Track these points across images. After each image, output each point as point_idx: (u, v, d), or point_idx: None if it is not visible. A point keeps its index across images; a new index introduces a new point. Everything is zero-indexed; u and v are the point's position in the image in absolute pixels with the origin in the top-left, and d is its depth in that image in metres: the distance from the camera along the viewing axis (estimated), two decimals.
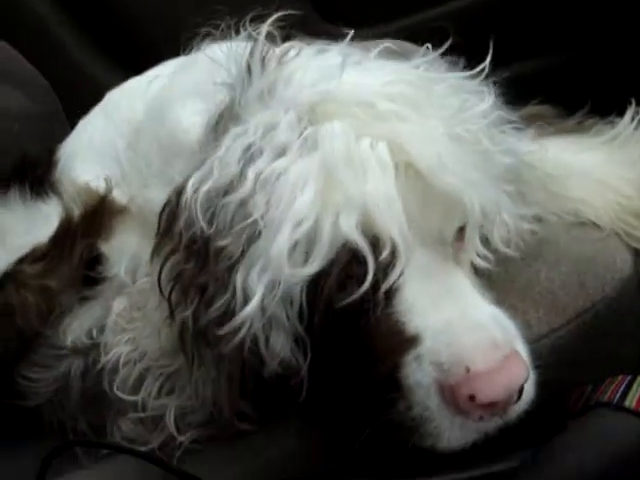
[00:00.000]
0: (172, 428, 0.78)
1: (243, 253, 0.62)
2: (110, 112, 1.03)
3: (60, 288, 0.96)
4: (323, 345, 0.65)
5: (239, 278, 0.62)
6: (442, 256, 0.65)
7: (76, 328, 0.91)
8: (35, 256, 0.99)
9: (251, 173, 0.62)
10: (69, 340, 0.91)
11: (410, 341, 0.62)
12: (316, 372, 0.67)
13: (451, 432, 0.62)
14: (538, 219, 0.85)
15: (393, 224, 0.59)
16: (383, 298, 0.63)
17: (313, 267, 0.60)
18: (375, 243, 0.60)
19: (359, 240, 0.59)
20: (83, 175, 0.99)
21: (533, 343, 0.74)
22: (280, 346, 0.65)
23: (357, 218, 0.59)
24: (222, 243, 0.63)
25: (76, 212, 0.98)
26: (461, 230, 0.66)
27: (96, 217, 0.96)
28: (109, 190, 0.95)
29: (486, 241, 0.69)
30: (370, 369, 0.64)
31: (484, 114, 0.69)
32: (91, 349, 0.89)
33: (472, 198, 0.61)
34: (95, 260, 0.94)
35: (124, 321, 0.86)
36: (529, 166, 0.83)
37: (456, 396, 0.60)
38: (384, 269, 0.61)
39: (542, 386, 0.69)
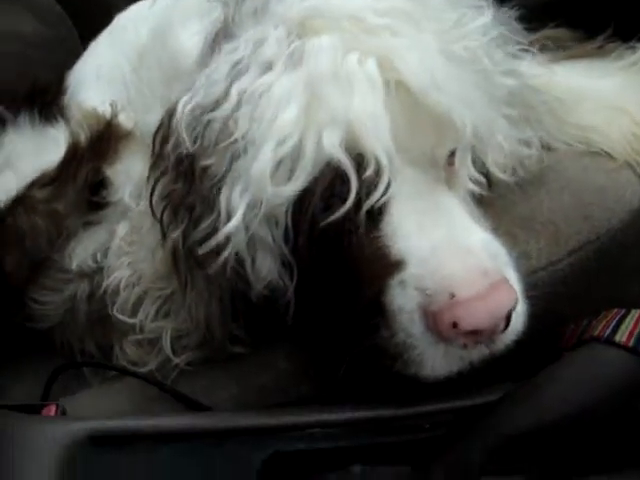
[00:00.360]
0: (168, 350, 0.80)
1: (226, 172, 0.61)
2: (117, 36, 1.02)
3: (67, 212, 0.97)
4: (309, 267, 0.65)
5: (223, 197, 0.62)
6: (433, 178, 0.63)
7: (81, 252, 0.93)
8: (44, 181, 0.99)
9: (235, 89, 0.61)
10: (75, 264, 0.92)
11: (395, 265, 0.61)
12: (303, 295, 0.67)
13: (434, 359, 0.61)
14: (546, 147, 0.81)
15: (378, 142, 0.57)
16: (368, 220, 0.62)
17: (296, 186, 0.59)
18: (359, 161, 0.58)
19: (342, 158, 0.57)
20: (90, 100, 0.99)
21: (530, 275, 0.72)
22: (266, 268, 0.65)
23: (341, 135, 0.57)
24: (207, 162, 0.62)
25: (83, 137, 0.98)
26: (454, 154, 0.64)
27: (102, 142, 0.96)
28: (115, 115, 0.95)
29: (482, 165, 0.67)
30: (355, 293, 0.63)
31: (484, 30, 0.65)
32: (96, 273, 0.91)
33: (464, 118, 0.59)
34: (100, 184, 0.94)
35: (126, 245, 0.87)
36: (536, 90, 0.79)
37: (439, 323, 0.58)
38: (368, 188, 0.59)
39: (539, 318, 0.68)
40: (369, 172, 0.58)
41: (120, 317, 0.83)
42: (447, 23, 0.62)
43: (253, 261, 0.64)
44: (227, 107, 0.61)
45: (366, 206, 0.59)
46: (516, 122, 0.70)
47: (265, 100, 0.59)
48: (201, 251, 0.66)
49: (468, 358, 0.62)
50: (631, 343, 0.59)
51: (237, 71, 0.62)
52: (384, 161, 0.57)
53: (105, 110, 0.95)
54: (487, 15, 0.66)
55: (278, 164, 0.59)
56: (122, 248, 0.87)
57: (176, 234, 0.69)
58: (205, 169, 0.63)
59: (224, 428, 0.65)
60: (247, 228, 0.62)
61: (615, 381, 0.59)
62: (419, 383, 0.65)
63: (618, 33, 0.86)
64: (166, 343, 0.80)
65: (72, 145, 0.98)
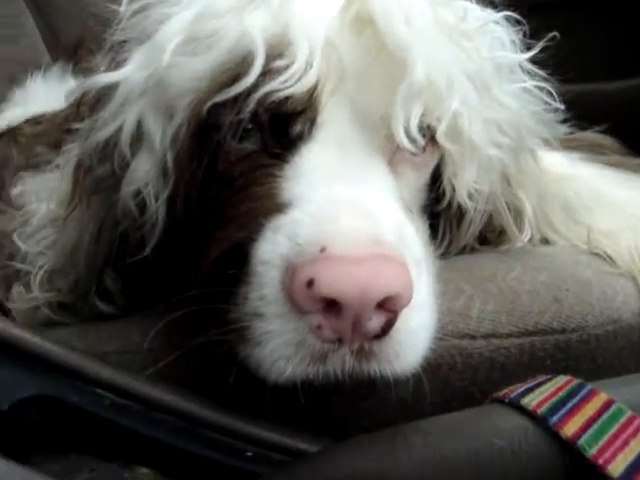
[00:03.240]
0: (36, 284, 0.68)
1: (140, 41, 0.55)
2: None
3: (42, 149, 0.92)
4: (187, 184, 0.54)
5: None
6: (371, 144, 0.52)
7: (27, 187, 0.86)
8: (38, 120, 0.97)
9: None
10: (15, 194, 0.85)
11: (278, 208, 0.48)
12: (170, 220, 0.55)
13: (279, 342, 0.46)
14: (544, 240, 0.68)
15: (304, 42, 0.48)
16: (273, 155, 0.52)
17: (200, 63, 0.50)
18: (276, 57, 0.49)
19: (257, 39, 0.48)
20: None
21: (464, 337, 0.56)
22: (143, 171, 0.55)
23: (268, 24, 0.50)
24: (130, 33, 0.56)
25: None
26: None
27: None
28: None
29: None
30: (225, 230, 0.51)
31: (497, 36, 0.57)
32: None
33: (418, 58, 0.48)
34: None
35: None
36: (556, 181, 0.69)
37: (294, 279, 0.44)
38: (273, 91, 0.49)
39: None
40: (278, 63, 0.48)
41: (16, 241, 0.73)
42: None
43: (132, 157, 0.55)
44: None
45: (266, 111, 0.49)
46: (499, 147, 0.58)
47: None
48: (96, 143, 0.57)
49: (322, 359, 0.45)
50: (541, 411, 0.41)
51: None
52: (301, 58, 0.48)
53: None
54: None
55: (191, 38, 0.51)
56: None
57: (84, 126, 0.61)
58: (127, 40, 0.56)
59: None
60: (141, 114, 0.54)
61: (503, 455, 0.40)
62: (261, 396, 0.48)
63: None
64: (36, 276, 0.68)
65: (78, 99, 0.96)
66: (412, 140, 0.51)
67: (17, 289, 0.73)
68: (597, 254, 0.65)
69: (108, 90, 0.57)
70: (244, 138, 0.52)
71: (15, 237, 0.73)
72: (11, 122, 0.98)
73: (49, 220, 0.72)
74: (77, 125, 0.66)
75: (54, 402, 0.49)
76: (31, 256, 0.70)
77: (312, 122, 0.51)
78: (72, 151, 0.73)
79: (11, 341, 0.50)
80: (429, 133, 0.53)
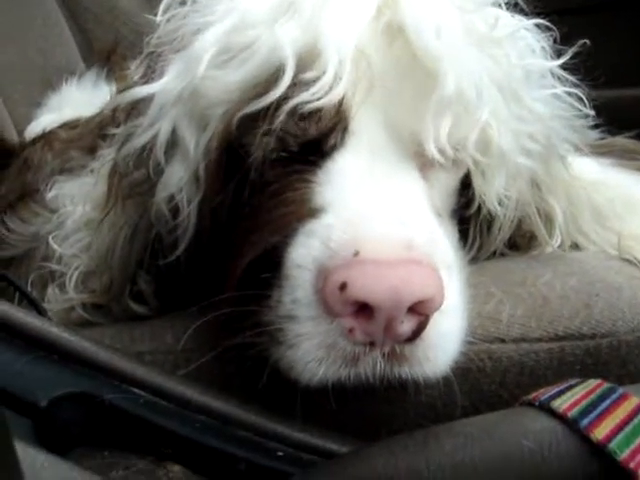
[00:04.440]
0: (71, 285, 0.70)
1: (177, 51, 0.56)
2: None
3: (77, 153, 0.94)
4: (217, 189, 0.55)
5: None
6: (404, 154, 0.53)
7: (63, 190, 0.88)
8: (72, 125, 0.99)
9: None
10: (50, 198, 0.87)
11: (311, 213, 0.49)
12: (201, 223, 0.57)
13: (311, 343, 0.46)
14: (574, 245, 0.68)
15: (334, 52, 0.49)
16: (307, 161, 0.53)
17: (234, 75, 0.51)
18: (306, 68, 0.50)
19: (288, 52, 0.49)
20: None
21: (494, 341, 0.56)
22: (176, 178, 0.56)
23: (299, 35, 0.51)
24: (166, 41, 0.58)
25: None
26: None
27: None
28: None
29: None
30: (258, 235, 0.52)
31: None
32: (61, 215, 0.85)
33: (449, 70, 0.49)
34: None
35: None
36: (585, 187, 0.69)
37: (327, 282, 0.44)
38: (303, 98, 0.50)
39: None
40: (308, 74, 0.49)
41: (51, 243, 0.75)
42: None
43: (167, 164, 0.56)
44: None
45: (289, 105, 0.49)
46: (529, 154, 0.58)
47: None
48: (132, 150, 0.59)
49: (353, 362, 0.46)
50: (571, 414, 0.41)
51: None
52: (331, 70, 0.49)
53: None
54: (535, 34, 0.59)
55: (225, 50, 0.52)
56: None
57: (120, 132, 0.62)
58: (163, 49, 0.58)
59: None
60: (175, 123, 0.55)
61: (533, 457, 0.41)
62: (292, 397, 0.49)
63: None
64: (71, 277, 0.70)
65: (114, 105, 0.98)
66: (442, 151, 0.52)
67: (52, 290, 0.75)
68: (628, 260, 0.65)
69: (144, 98, 0.58)
70: (276, 147, 0.53)
71: (50, 239, 0.76)
72: (46, 127, 1.01)
73: (84, 223, 0.74)
74: (113, 130, 0.67)
75: (90, 399, 0.50)
76: (66, 258, 0.72)
77: (344, 131, 0.52)
78: (107, 156, 0.75)
79: (50, 339, 0.52)
80: (459, 143, 0.54)
